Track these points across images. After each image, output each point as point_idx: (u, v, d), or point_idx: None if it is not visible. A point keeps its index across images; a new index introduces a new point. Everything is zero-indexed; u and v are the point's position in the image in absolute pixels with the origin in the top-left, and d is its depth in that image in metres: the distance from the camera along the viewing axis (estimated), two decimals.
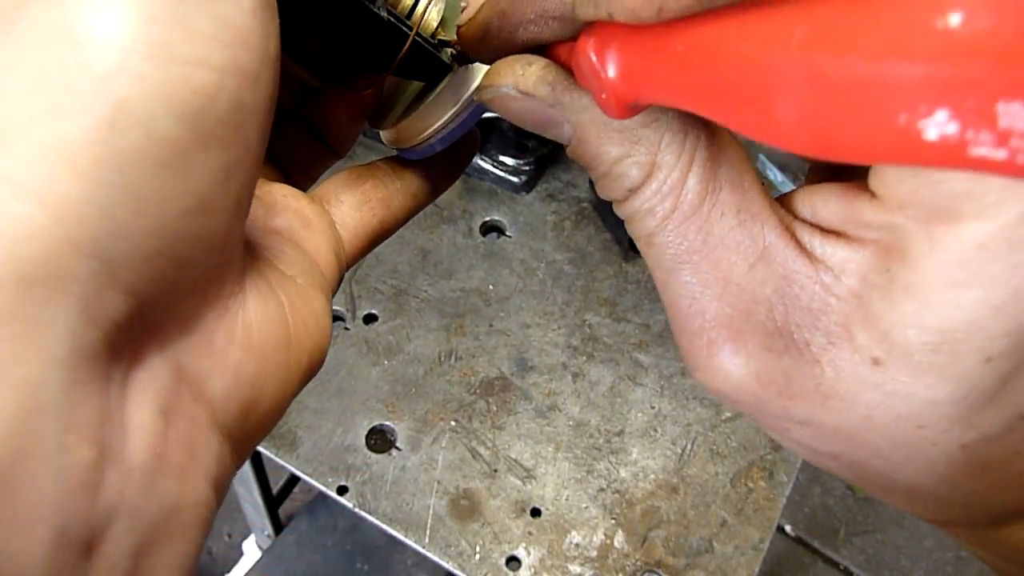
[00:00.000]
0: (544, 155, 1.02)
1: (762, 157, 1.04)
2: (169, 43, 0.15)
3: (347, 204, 0.29)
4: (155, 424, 0.16)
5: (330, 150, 0.30)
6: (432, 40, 0.27)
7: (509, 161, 1.01)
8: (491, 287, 0.93)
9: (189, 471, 0.17)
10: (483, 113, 0.26)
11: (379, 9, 0.24)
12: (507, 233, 0.98)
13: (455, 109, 0.26)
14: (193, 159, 0.16)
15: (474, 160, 1.00)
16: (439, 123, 0.27)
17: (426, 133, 0.27)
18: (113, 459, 0.15)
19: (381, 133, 0.29)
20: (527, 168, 1.01)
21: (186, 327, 0.18)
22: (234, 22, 0.16)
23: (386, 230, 0.30)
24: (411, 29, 0.25)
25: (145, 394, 0.16)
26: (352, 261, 0.29)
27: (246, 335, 0.19)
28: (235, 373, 0.19)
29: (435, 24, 0.27)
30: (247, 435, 0.20)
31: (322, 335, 0.23)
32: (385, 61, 0.26)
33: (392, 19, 0.25)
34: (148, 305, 0.16)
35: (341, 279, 0.27)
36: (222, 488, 0.20)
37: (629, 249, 0.94)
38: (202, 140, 0.16)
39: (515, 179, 1.01)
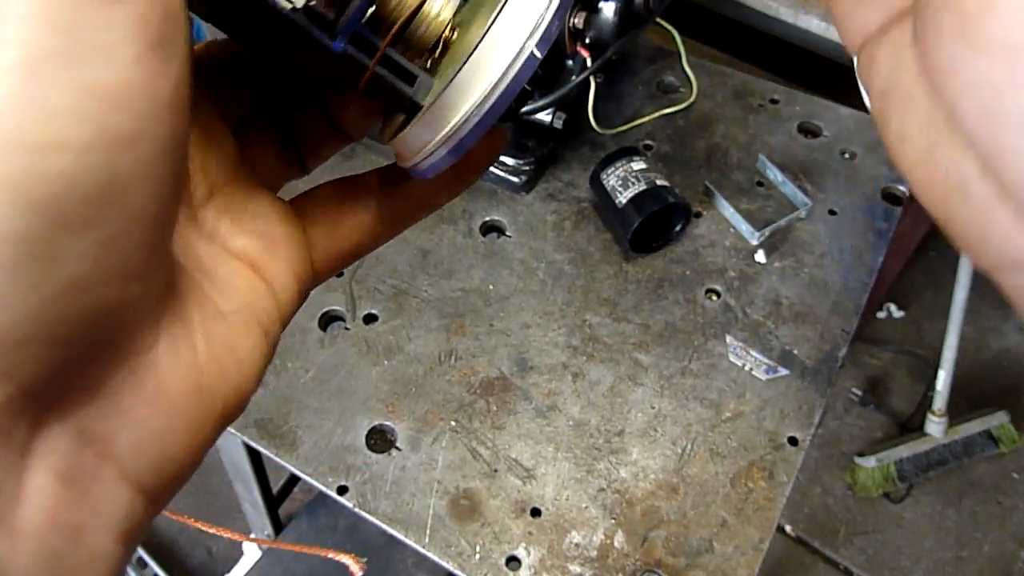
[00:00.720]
0: (544, 155, 1.02)
1: (762, 157, 1.04)
2: (17, 130, 0.14)
3: (320, 226, 0.27)
4: (52, 488, 0.17)
5: (345, 134, 0.29)
6: (402, 61, 0.23)
7: (509, 161, 1.01)
8: (491, 287, 0.93)
9: (90, 529, 0.18)
10: (500, 113, 0.23)
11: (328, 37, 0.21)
12: (507, 233, 0.98)
13: (461, 115, 0.22)
14: (57, 247, 0.15)
15: None
16: (441, 135, 0.23)
17: (426, 149, 0.23)
18: (4, 526, 0.16)
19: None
20: (527, 168, 1.01)
21: (86, 394, 0.18)
22: (106, 84, 0.15)
23: (362, 252, 0.29)
24: (371, 55, 0.22)
25: (43, 460, 0.17)
26: (321, 280, 0.28)
27: (155, 391, 0.19)
28: (142, 429, 0.19)
29: (438, 27, 0.24)
30: (163, 485, 0.20)
31: (243, 381, 0.23)
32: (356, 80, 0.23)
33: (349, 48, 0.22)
34: (34, 386, 0.16)
35: (302, 300, 0.27)
36: (133, 540, 0.20)
37: (629, 249, 0.94)
38: (65, 226, 0.15)
39: (515, 179, 1.01)
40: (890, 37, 0.22)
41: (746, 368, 0.87)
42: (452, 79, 0.23)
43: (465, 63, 0.23)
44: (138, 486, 0.20)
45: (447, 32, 0.24)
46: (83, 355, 0.17)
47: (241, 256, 0.25)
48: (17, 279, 0.15)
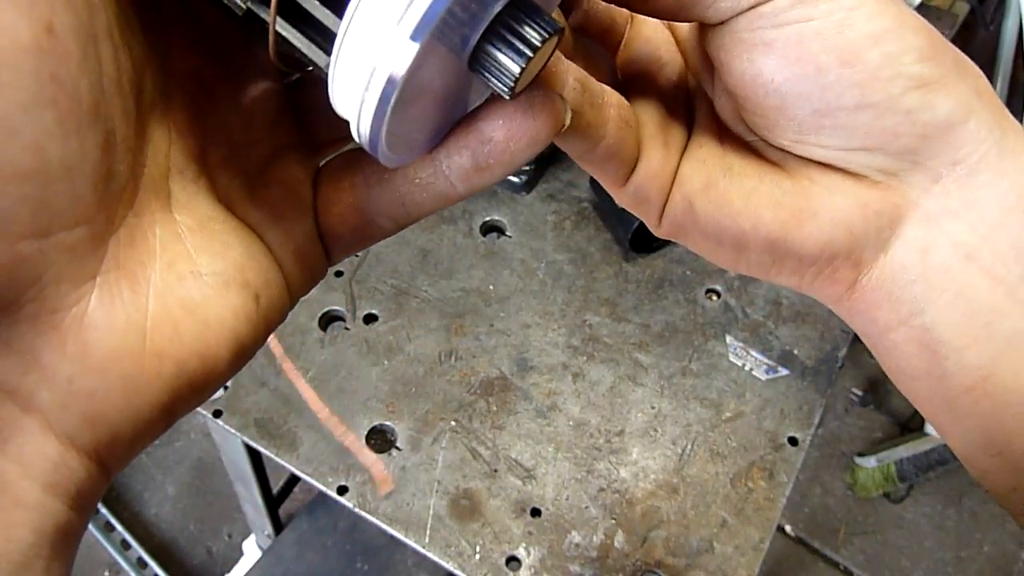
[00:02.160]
0: (544, 155, 1.02)
1: None
2: None
3: (326, 199, 0.27)
4: None
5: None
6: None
7: None
8: (491, 287, 0.93)
9: (12, 476, 0.19)
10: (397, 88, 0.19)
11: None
12: (507, 233, 0.98)
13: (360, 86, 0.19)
14: None
15: None
16: (353, 114, 0.20)
17: (357, 133, 0.21)
18: None
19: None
20: (527, 168, 1.01)
21: (3, 347, 0.18)
22: None
23: (370, 237, 0.28)
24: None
25: None
26: (333, 259, 0.28)
27: (79, 348, 0.19)
28: (67, 385, 0.19)
29: None
30: (104, 445, 0.20)
31: (207, 345, 0.22)
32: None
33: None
34: None
35: (312, 279, 0.27)
36: (72, 497, 0.20)
37: (629, 249, 0.94)
38: None
39: (515, 179, 1.01)
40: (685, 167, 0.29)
41: (746, 368, 0.87)
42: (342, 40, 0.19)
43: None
44: (68, 442, 0.20)
45: None
46: None
47: (243, 218, 0.25)
48: None
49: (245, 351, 0.23)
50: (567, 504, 0.77)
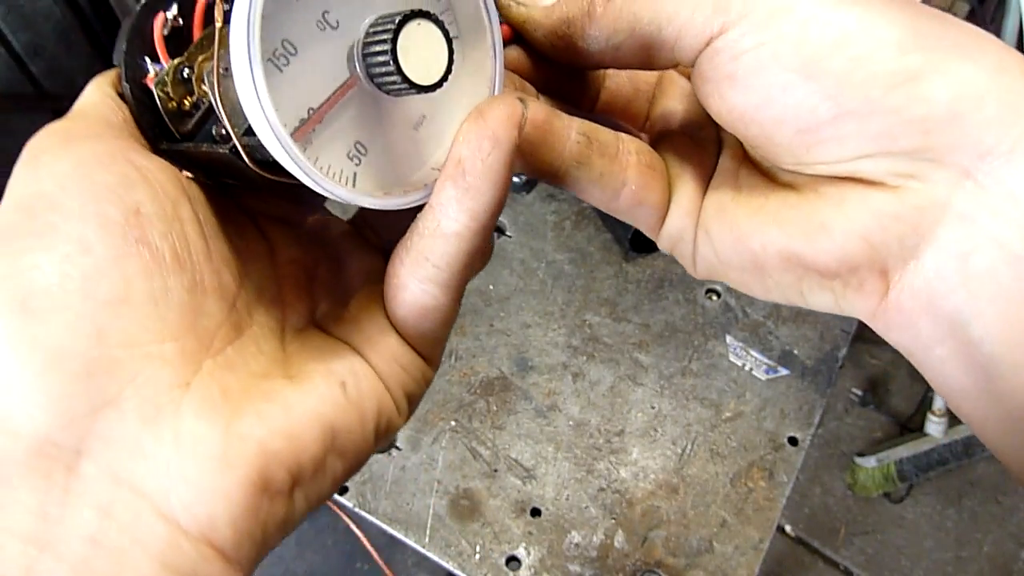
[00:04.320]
0: None
1: None
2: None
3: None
4: (92, 519, 0.21)
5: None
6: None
7: None
8: (491, 287, 0.93)
9: (131, 555, 0.21)
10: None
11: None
12: (507, 233, 0.98)
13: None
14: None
15: None
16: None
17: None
18: (49, 550, 0.20)
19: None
20: None
21: (108, 441, 0.22)
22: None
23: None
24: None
25: (83, 497, 0.21)
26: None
27: (173, 435, 0.22)
28: (166, 469, 0.22)
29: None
30: (208, 527, 0.22)
31: (292, 424, 0.24)
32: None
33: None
34: (51, 435, 0.21)
35: (407, 367, 0.28)
36: (182, 572, 0.22)
37: (629, 249, 0.94)
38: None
39: (515, 179, 1.01)
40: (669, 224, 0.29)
41: (746, 368, 0.87)
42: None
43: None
44: (176, 523, 0.22)
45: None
46: (90, 407, 0.21)
47: (333, 334, 0.28)
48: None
49: (338, 434, 0.25)
50: (567, 504, 0.77)
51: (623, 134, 0.29)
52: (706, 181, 0.30)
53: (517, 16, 0.29)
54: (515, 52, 0.30)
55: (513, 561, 0.73)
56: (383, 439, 0.27)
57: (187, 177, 0.27)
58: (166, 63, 0.27)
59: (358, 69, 0.25)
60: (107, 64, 0.28)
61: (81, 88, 0.28)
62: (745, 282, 0.28)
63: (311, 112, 0.25)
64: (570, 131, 0.28)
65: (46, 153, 0.24)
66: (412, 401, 0.29)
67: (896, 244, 0.24)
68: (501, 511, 0.76)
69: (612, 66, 0.29)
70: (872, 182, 0.24)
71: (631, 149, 0.29)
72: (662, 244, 0.31)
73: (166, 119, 0.26)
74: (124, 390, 0.22)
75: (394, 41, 0.24)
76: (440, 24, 0.25)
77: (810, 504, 1.76)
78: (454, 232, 0.25)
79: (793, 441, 0.82)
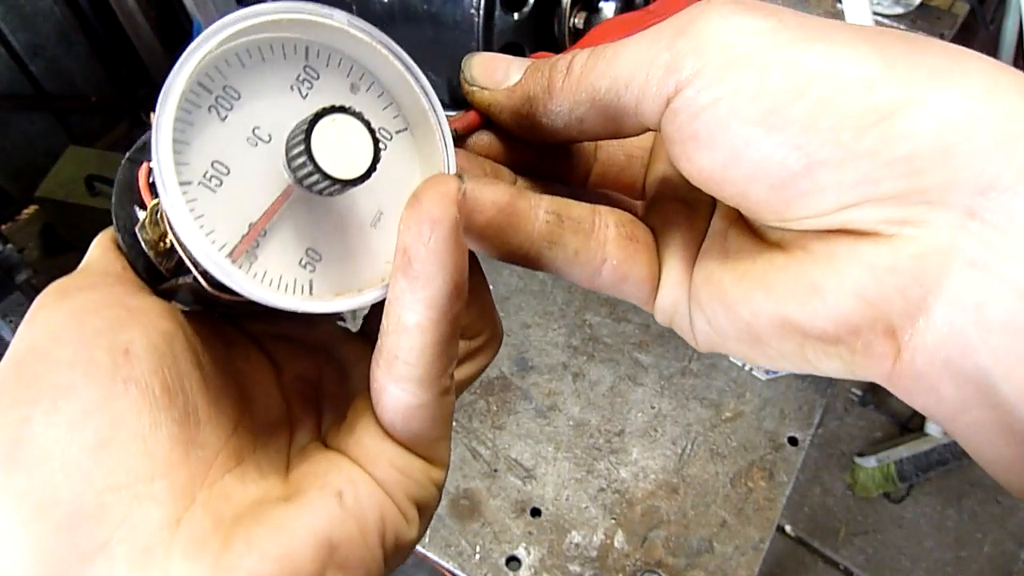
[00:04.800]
0: None
1: None
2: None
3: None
4: None
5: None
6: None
7: None
8: (491, 287, 0.93)
9: None
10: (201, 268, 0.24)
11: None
12: None
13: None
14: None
15: None
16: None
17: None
18: None
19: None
20: None
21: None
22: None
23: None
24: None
25: None
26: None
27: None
28: None
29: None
30: None
31: (284, 537, 0.24)
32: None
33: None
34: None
35: (410, 475, 0.27)
36: None
37: None
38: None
39: None
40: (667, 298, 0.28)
41: (746, 368, 0.87)
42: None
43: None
44: None
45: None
46: (78, 556, 0.22)
47: (331, 446, 0.28)
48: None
49: (337, 548, 0.24)
50: (567, 504, 0.77)
51: (601, 207, 0.28)
52: (697, 247, 0.28)
53: (481, 100, 0.29)
54: (486, 137, 0.30)
55: (513, 561, 0.73)
56: (394, 552, 0.26)
57: (182, 310, 0.27)
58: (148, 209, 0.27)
59: (286, 176, 0.25)
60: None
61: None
62: (746, 354, 0.26)
63: (252, 226, 0.25)
64: (537, 210, 0.27)
65: (44, 308, 0.25)
66: (422, 507, 0.27)
67: (898, 299, 0.21)
68: (501, 511, 0.76)
69: (583, 139, 0.28)
70: (863, 233, 0.22)
71: (609, 222, 0.28)
72: (659, 318, 0.29)
73: (153, 260, 0.27)
74: (113, 535, 0.22)
75: (307, 140, 0.24)
76: (358, 116, 0.24)
77: (810, 504, 1.76)
78: (415, 325, 0.24)
79: (793, 441, 0.82)
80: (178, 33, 1.90)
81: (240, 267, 0.24)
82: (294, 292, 0.25)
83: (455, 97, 0.93)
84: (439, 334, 0.24)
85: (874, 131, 0.20)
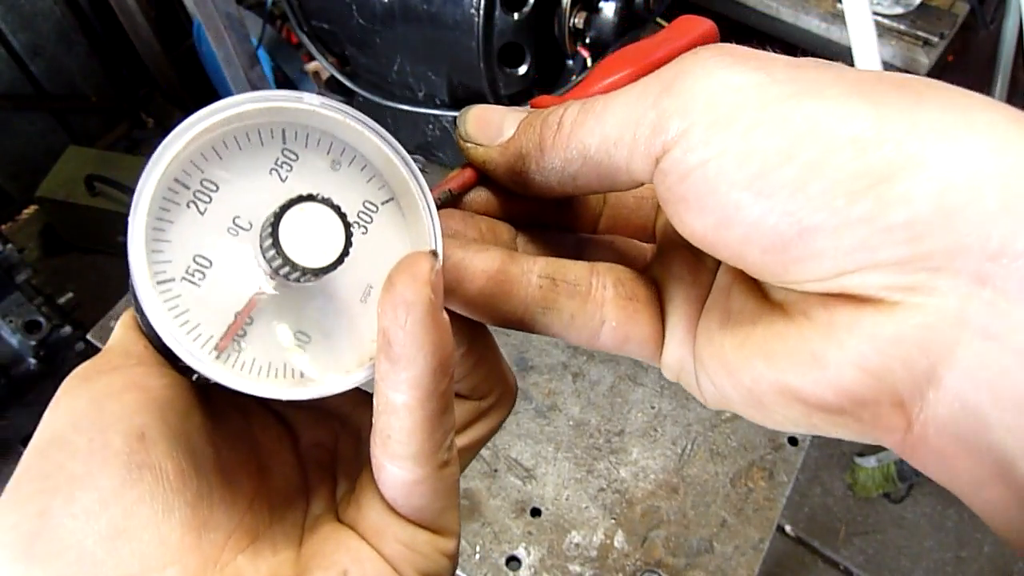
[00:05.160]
0: None
1: None
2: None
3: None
4: None
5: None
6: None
7: None
8: None
9: None
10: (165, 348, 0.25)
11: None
12: None
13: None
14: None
15: None
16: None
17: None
18: None
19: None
20: None
21: None
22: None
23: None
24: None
25: None
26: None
27: None
28: None
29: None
30: None
31: None
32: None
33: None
34: None
35: (424, 554, 0.27)
36: None
37: None
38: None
39: None
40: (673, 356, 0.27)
41: None
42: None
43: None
44: None
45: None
46: None
47: (343, 520, 0.28)
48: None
49: None
50: (567, 504, 0.77)
51: (600, 265, 0.28)
52: (701, 303, 0.27)
53: (476, 157, 0.28)
54: (484, 193, 0.29)
55: (513, 561, 0.73)
56: None
57: (203, 383, 0.27)
58: None
59: (263, 266, 0.25)
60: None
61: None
62: (754, 416, 0.25)
63: (237, 316, 0.25)
64: (530, 276, 0.26)
65: (67, 394, 0.26)
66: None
67: (903, 371, 0.20)
68: (501, 511, 0.76)
69: (578, 193, 0.27)
70: (865, 299, 0.21)
71: (607, 282, 0.27)
72: (666, 375, 0.28)
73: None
74: None
75: (275, 232, 0.24)
76: (327, 202, 0.24)
77: (810, 504, 1.75)
78: (403, 405, 0.24)
79: (793, 441, 0.82)
80: (178, 33, 1.90)
81: (227, 359, 0.24)
82: (284, 376, 0.25)
83: (454, 96, 0.93)
84: (428, 411, 0.24)
85: (869, 196, 0.19)
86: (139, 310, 0.26)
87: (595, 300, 0.27)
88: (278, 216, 0.24)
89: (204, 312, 0.24)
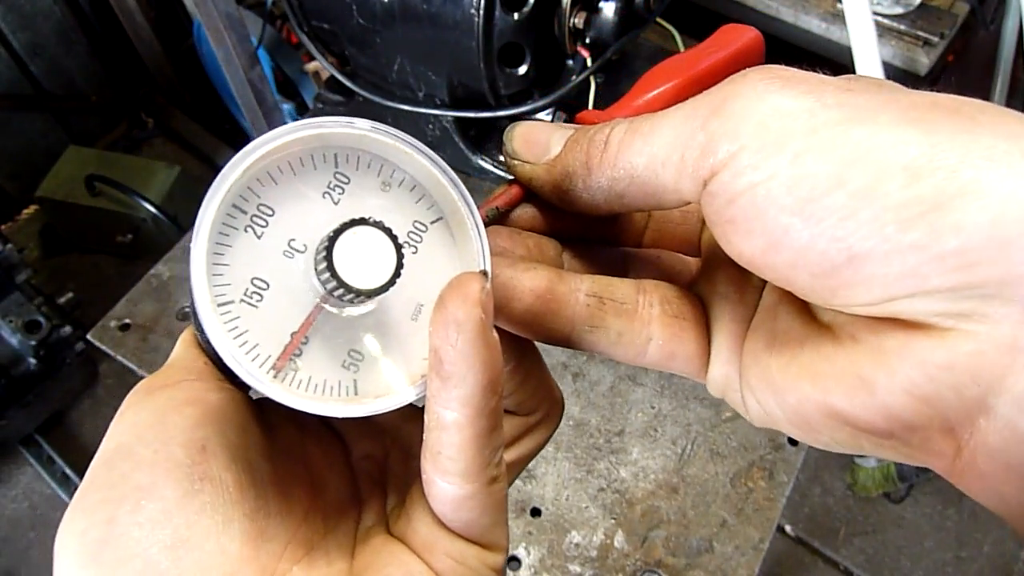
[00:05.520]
0: None
1: None
2: None
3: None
4: None
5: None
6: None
7: None
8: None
9: None
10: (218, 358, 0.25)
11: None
12: None
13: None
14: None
15: (474, 160, 1.00)
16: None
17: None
18: None
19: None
20: None
21: None
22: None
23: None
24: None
25: None
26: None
27: None
28: None
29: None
30: None
31: None
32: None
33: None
34: None
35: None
36: None
37: None
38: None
39: None
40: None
41: None
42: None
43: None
44: None
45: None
46: None
47: (392, 533, 0.29)
48: None
49: None
50: (567, 504, 0.77)
51: (647, 282, 0.28)
52: (747, 322, 0.27)
53: (523, 174, 0.29)
54: (531, 210, 0.30)
55: (513, 561, 0.73)
56: None
57: (259, 399, 0.28)
58: None
59: (318, 287, 0.26)
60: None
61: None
62: (801, 437, 0.25)
63: (293, 336, 0.26)
64: (578, 294, 0.27)
65: (131, 408, 0.27)
66: None
67: (954, 399, 0.20)
68: None
69: (624, 211, 0.27)
70: (916, 324, 0.20)
71: (654, 300, 0.27)
72: (713, 392, 0.28)
73: None
74: None
75: (330, 255, 0.25)
76: (378, 225, 0.25)
77: (810, 504, 1.75)
78: (453, 422, 0.24)
79: (793, 441, 0.82)
80: (178, 33, 1.90)
81: (284, 378, 0.25)
82: (338, 394, 0.26)
83: (454, 96, 0.93)
84: (478, 429, 0.24)
85: (921, 223, 0.19)
86: (199, 329, 0.27)
87: (641, 318, 0.27)
88: (332, 240, 0.25)
89: (262, 332, 0.25)
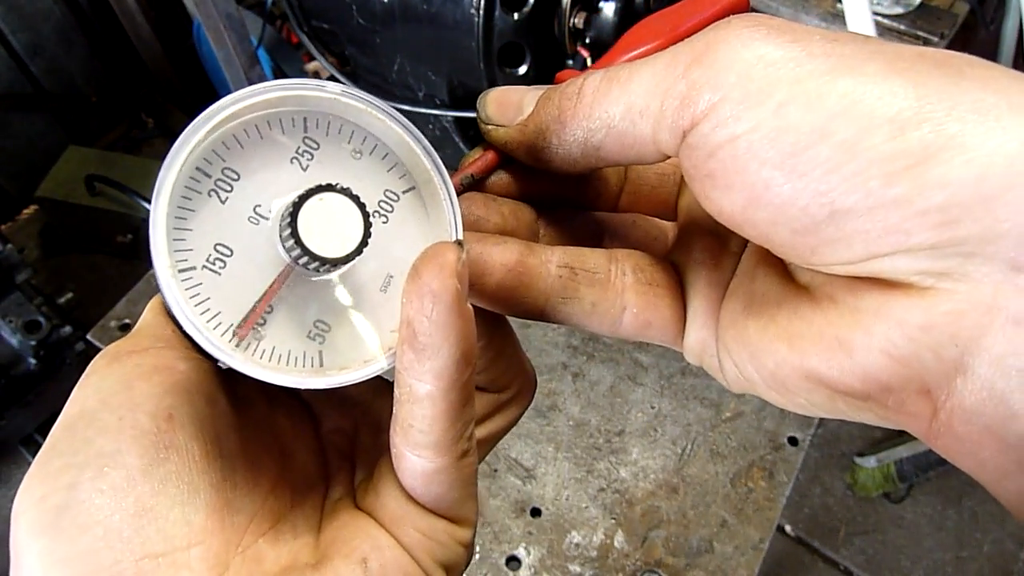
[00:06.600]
0: None
1: None
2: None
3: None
4: None
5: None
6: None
7: None
8: None
9: None
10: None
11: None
12: None
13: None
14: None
15: None
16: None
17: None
18: None
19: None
20: None
21: None
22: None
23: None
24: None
25: None
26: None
27: None
28: None
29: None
30: None
31: None
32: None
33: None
34: None
35: (442, 541, 0.27)
36: None
37: None
38: None
39: None
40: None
41: None
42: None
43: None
44: None
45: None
46: None
47: (362, 508, 0.28)
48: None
49: None
50: (567, 504, 0.77)
51: (619, 251, 0.28)
52: (724, 287, 0.27)
53: (497, 138, 0.28)
54: (505, 177, 0.29)
55: (513, 561, 0.73)
56: None
57: (228, 369, 0.27)
58: None
59: (284, 255, 0.25)
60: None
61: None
62: (777, 400, 0.25)
63: (257, 305, 0.25)
64: (549, 266, 0.26)
65: (96, 373, 0.26)
66: (450, 568, 0.27)
67: (931, 359, 0.20)
68: (501, 511, 0.76)
69: (601, 165, 0.26)
70: (895, 284, 0.20)
71: (627, 268, 0.27)
72: (688, 358, 0.28)
73: None
74: None
75: (294, 222, 0.24)
76: (346, 192, 0.24)
77: (810, 504, 1.75)
78: (426, 394, 0.24)
79: (793, 441, 0.82)
80: (178, 33, 1.90)
81: (247, 347, 0.25)
82: (303, 365, 0.25)
83: (454, 96, 0.93)
84: (451, 402, 0.24)
85: (905, 178, 0.18)
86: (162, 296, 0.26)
87: (615, 287, 0.27)
88: (297, 206, 0.24)
89: (225, 300, 0.24)
